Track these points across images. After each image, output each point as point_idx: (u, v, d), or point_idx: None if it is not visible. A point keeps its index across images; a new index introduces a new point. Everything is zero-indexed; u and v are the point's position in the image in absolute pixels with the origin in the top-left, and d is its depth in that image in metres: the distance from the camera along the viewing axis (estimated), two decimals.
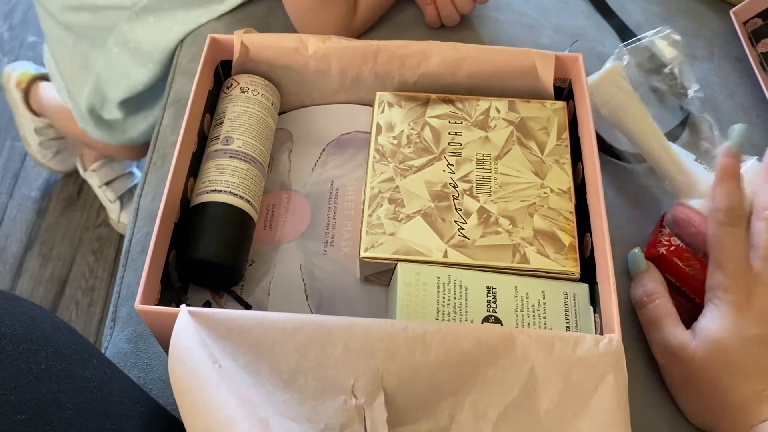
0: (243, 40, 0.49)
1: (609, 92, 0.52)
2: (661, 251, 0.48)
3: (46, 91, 1.12)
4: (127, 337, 0.50)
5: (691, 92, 0.62)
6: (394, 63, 0.50)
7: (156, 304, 0.41)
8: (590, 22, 0.71)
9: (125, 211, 1.17)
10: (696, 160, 0.54)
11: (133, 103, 0.79)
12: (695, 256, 0.47)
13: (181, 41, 0.69)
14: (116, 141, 0.87)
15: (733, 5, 0.72)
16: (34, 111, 1.16)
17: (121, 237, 1.19)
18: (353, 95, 0.54)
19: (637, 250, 0.48)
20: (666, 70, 0.62)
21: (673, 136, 0.59)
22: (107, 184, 1.17)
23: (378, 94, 0.51)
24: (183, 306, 0.37)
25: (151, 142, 0.63)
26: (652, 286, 0.46)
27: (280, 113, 0.55)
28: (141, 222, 0.57)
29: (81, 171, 1.21)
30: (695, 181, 0.51)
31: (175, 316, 0.37)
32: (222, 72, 0.53)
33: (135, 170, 1.22)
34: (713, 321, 0.42)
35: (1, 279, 1.13)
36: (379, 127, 0.49)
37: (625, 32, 0.70)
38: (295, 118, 0.55)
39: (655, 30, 0.62)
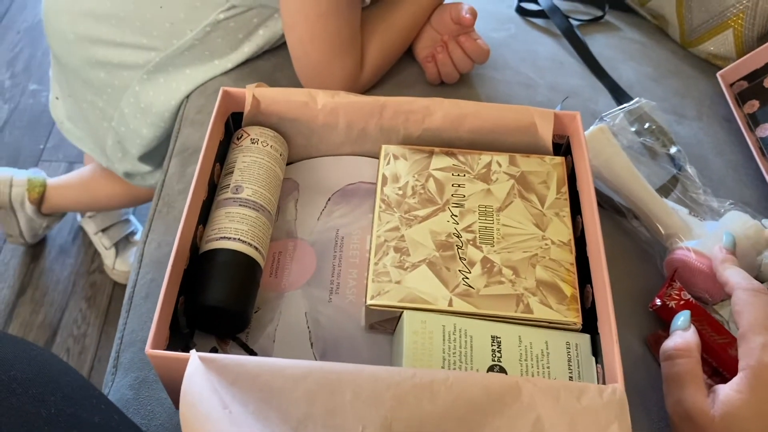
0: (255, 93, 0.51)
1: (599, 147, 0.55)
2: (670, 305, 0.49)
3: (59, 191, 1.09)
4: (130, 383, 0.50)
5: (673, 150, 0.64)
6: (399, 118, 0.52)
7: (165, 350, 0.41)
8: (584, 82, 0.74)
9: (120, 258, 1.17)
10: (690, 213, 0.56)
11: (152, 157, 0.81)
12: (706, 313, 0.48)
13: (187, 95, 0.71)
14: (139, 185, 0.89)
15: (720, 68, 0.75)
16: (44, 214, 1.12)
17: (115, 284, 1.18)
18: (358, 147, 0.55)
19: (687, 313, 0.47)
20: (649, 132, 0.65)
21: (664, 192, 0.61)
22: (103, 230, 1.17)
23: (384, 146, 0.53)
24: (193, 351, 0.37)
25: (156, 190, 0.64)
26: (687, 344, 0.44)
27: (287, 163, 0.57)
28: (145, 268, 0.57)
29: (78, 217, 1.21)
30: (690, 225, 0.53)
31: (185, 361, 0.37)
32: (231, 123, 0.54)
33: (131, 218, 1.22)
34: (740, 392, 0.40)
35: None
36: (384, 178, 0.51)
37: (617, 92, 0.73)
38: (301, 169, 0.56)
39: (633, 101, 0.65)
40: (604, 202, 0.60)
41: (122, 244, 1.18)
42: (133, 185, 0.90)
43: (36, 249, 1.22)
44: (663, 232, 0.54)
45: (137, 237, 1.20)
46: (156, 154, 0.80)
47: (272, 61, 0.71)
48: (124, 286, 1.18)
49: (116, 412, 0.40)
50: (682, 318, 0.46)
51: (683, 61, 0.81)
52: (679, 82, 0.77)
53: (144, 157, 0.80)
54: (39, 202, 1.07)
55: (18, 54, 1.57)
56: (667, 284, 0.52)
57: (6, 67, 1.54)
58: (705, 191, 0.60)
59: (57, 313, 1.15)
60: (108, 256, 1.17)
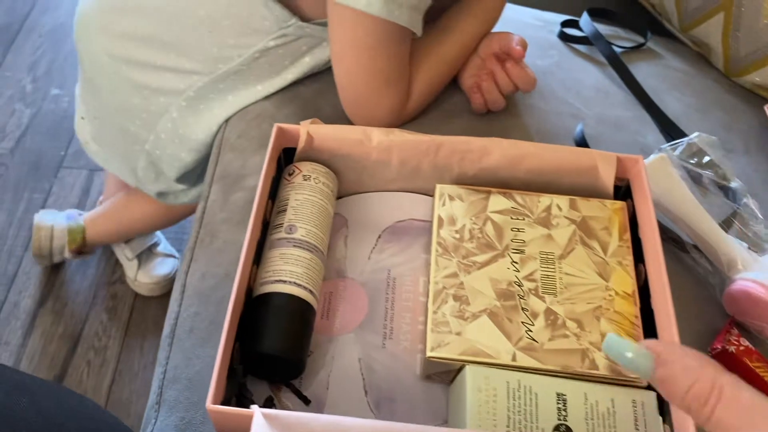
0: (309, 130, 0.50)
1: (659, 176, 0.55)
2: (730, 350, 0.47)
3: (95, 228, 1.08)
4: (176, 424, 0.49)
5: (734, 184, 0.63)
6: (454, 157, 0.51)
7: (222, 402, 0.40)
8: (631, 113, 0.72)
9: (143, 269, 1.16)
10: (749, 248, 0.55)
11: (188, 177, 0.80)
12: (764, 358, 0.47)
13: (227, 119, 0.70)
14: (172, 203, 0.88)
15: (766, 100, 0.74)
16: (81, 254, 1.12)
17: (137, 296, 1.17)
18: (410, 184, 0.54)
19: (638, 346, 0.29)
20: (708, 166, 0.63)
21: (724, 227, 0.60)
22: (126, 242, 1.16)
23: (438, 186, 0.52)
24: (256, 408, 0.36)
25: (196, 216, 0.63)
26: (704, 386, 0.27)
27: (336, 199, 0.55)
28: (188, 300, 0.56)
29: None
30: (751, 258, 0.52)
31: (248, 418, 0.36)
32: (283, 157, 0.53)
33: None
34: None
35: (13, 334, 1.10)
36: (440, 220, 0.50)
37: (666, 124, 0.71)
38: (350, 204, 0.55)
39: (694, 134, 0.64)
40: (662, 233, 0.59)
41: (145, 255, 1.17)
42: (166, 204, 0.89)
43: None
44: (724, 260, 0.54)
45: (160, 248, 1.19)
46: (192, 174, 0.79)
47: (315, 87, 0.69)
48: (145, 299, 1.17)
49: None
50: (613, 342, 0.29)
51: (728, 92, 0.80)
52: (724, 114, 0.76)
53: (180, 178, 0.79)
54: (79, 250, 1.08)
55: (40, 58, 1.56)
56: (725, 329, 0.51)
57: (27, 71, 1.53)
58: (767, 225, 0.59)
59: (78, 324, 1.14)
60: (130, 268, 1.16)
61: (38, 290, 1.17)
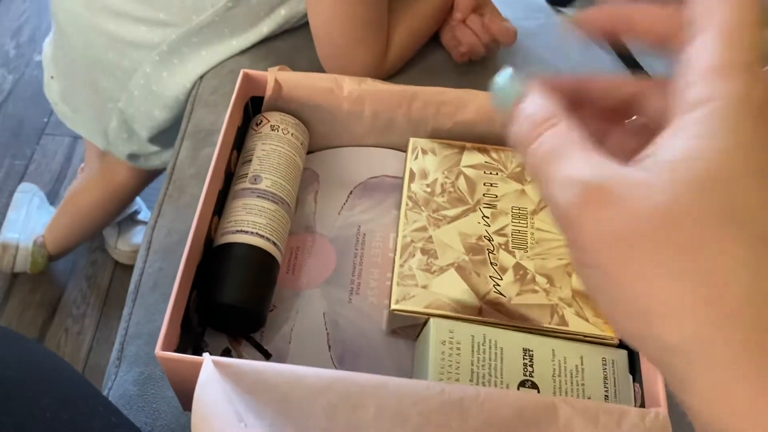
0: (277, 77, 0.48)
1: None
2: None
3: (53, 235, 1.07)
4: (134, 379, 0.47)
5: None
6: (429, 109, 0.49)
7: (175, 350, 0.38)
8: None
9: (123, 237, 1.14)
10: None
11: (161, 138, 0.78)
12: None
13: (201, 76, 0.68)
14: (143, 166, 0.87)
15: None
16: None
17: (117, 264, 1.16)
18: (383, 139, 0.52)
19: (510, 70, 0.26)
20: None
21: None
22: None
23: (412, 140, 0.50)
24: (206, 355, 0.34)
25: (166, 172, 0.61)
26: (545, 112, 0.24)
27: (307, 153, 0.54)
28: (153, 256, 0.54)
29: None
30: None
31: (198, 365, 0.34)
32: (251, 107, 0.51)
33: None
34: (713, 137, 0.20)
35: None
36: (412, 174, 0.48)
37: None
38: (322, 159, 0.53)
39: None
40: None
41: (125, 223, 1.15)
42: (110, 184, 0.87)
43: None
44: None
45: (141, 216, 1.17)
46: (166, 135, 0.77)
47: (291, 42, 0.67)
48: (126, 267, 1.15)
49: (115, 413, 0.37)
50: (506, 79, 0.25)
51: None
52: None
53: (153, 138, 0.77)
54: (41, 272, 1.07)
55: (24, 23, 1.53)
56: None
57: (11, 37, 1.50)
58: None
59: (56, 291, 1.12)
60: (110, 235, 1.15)
61: None
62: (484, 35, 0.63)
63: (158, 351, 0.36)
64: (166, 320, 0.37)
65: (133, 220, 1.16)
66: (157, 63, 0.68)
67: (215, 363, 0.34)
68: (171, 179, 0.60)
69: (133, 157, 0.84)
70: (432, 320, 0.41)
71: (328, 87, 0.49)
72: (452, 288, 0.42)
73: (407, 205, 0.46)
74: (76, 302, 1.11)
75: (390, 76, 0.64)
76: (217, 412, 0.32)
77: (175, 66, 0.67)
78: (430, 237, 0.45)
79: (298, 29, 0.68)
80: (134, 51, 0.69)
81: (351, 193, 0.52)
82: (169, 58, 0.67)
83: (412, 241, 0.44)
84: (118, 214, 1.10)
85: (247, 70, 0.48)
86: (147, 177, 1.00)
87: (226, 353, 0.43)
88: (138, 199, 1.19)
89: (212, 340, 0.44)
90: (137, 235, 1.14)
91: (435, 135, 0.51)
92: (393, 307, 0.42)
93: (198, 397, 0.33)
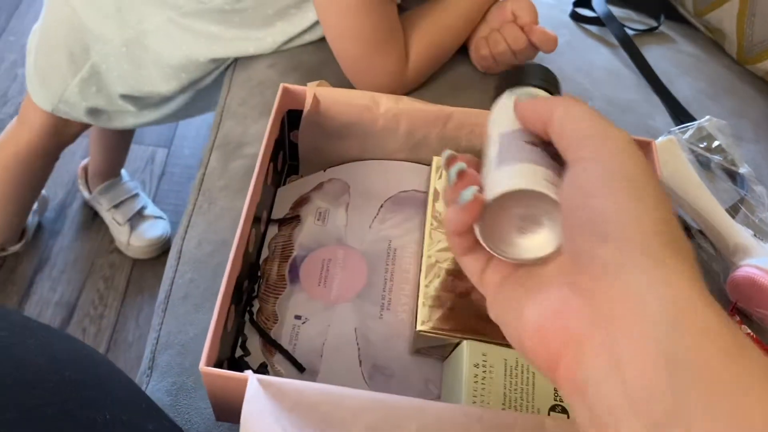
0: (316, 92, 0.49)
1: (666, 157, 0.55)
2: None
3: None
4: (167, 389, 0.48)
5: (742, 170, 0.62)
6: (463, 129, 0.50)
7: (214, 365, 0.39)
8: (640, 96, 0.71)
9: (135, 234, 1.16)
10: (754, 235, 0.54)
11: (136, 100, 0.77)
12: (765, 346, 0.46)
13: (230, 79, 0.69)
14: (104, 126, 0.85)
15: None
16: None
17: (134, 265, 1.17)
18: (414, 155, 0.53)
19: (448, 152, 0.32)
20: (717, 151, 0.63)
21: (730, 213, 0.59)
22: (115, 207, 1.16)
23: (435, 158, 0.51)
24: (250, 373, 0.35)
25: (195, 183, 0.62)
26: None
27: (338, 164, 0.54)
28: (184, 267, 0.55)
29: (86, 195, 1.19)
30: (757, 245, 0.52)
31: (241, 382, 0.35)
32: (287, 120, 0.52)
33: (140, 192, 1.20)
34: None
35: (9, 300, 1.10)
36: (436, 193, 0.49)
37: (676, 108, 0.70)
38: (353, 171, 0.54)
39: (705, 118, 0.63)
40: None
41: (135, 219, 1.17)
42: (16, 146, 0.86)
43: (55, 226, 1.20)
44: (729, 246, 0.53)
45: (148, 211, 1.18)
46: (143, 100, 0.77)
47: (319, 56, 0.68)
48: (142, 268, 1.16)
49: (166, 418, 0.38)
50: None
51: (739, 79, 0.78)
52: (735, 101, 0.75)
53: (127, 96, 0.77)
54: None
55: None
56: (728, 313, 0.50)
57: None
58: None
59: (74, 291, 1.13)
60: (122, 233, 1.16)
61: (36, 257, 1.16)
62: (516, 43, 0.61)
63: (202, 366, 0.36)
64: (209, 335, 0.37)
65: (141, 215, 1.18)
66: (165, 23, 0.68)
67: (259, 381, 0.35)
68: (200, 190, 0.61)
69: (94, 112, 0.82)
70: (465, 343, 0.41)
71: (365, 104, 0.49)
72: (478, 310, 0.43)
73: (432, 224, 0.47)
74: (93, 303, 1.12)
75: (413, 90, 0.64)
76: (265, 428, 0.33)
77: (188, 30, 0.68)
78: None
79: (326, 43, 0.69)
80: (144, 5, 0.69)
81: (382, 206, 0.52)
82: (187, 23, 0.68)
83: (437, 261, 0.45)
84: (26, 193, 1.02)
85: (286, 85, 0.49)
86: (56, 145, 0.94)
87: (262, 367, 0.44)
88: (143, 194, 1.20)
89: (247, 356, 0.45)
90: (149, 230, 1.16)
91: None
92: (419, 328, 0.42)
93: (246, 415, 0.34)
